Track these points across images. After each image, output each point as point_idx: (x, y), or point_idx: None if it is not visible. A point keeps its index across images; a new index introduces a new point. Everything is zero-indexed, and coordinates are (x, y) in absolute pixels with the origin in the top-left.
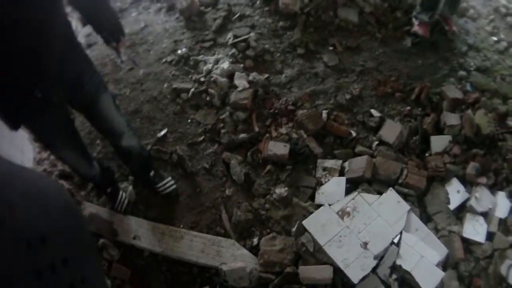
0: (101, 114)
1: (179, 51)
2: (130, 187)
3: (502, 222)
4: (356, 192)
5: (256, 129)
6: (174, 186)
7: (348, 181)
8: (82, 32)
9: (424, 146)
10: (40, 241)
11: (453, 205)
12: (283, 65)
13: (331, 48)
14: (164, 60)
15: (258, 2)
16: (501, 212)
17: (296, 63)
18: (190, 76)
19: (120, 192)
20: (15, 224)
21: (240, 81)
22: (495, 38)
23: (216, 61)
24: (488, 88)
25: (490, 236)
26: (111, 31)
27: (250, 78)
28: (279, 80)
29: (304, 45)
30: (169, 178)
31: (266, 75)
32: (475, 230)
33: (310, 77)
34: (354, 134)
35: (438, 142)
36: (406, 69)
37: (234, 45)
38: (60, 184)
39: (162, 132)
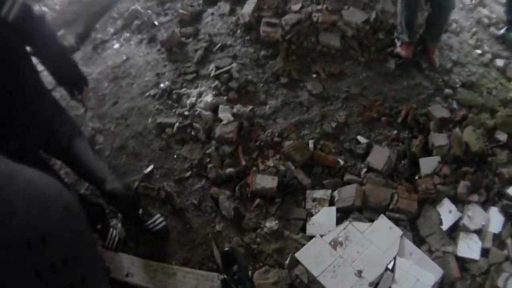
0: (78, 160)
1: (161, 85)
2: (119, 225)
3: (496, 237)
4: (347, 222)
5: (243, 162)
6: (163, 223)
7: (338, 210)
8: None
9: (413, 169)
10: (40, 241)
11: (445, 226)
12: (267, 95)
13: (314, 75)
14: (147, 94)
15: (239, 31)
16: (494, 227)
17: (280, 93)
18: (174, 110)
19: (111, 230)
20: (15, 224)
21: (225, 114)
22: (479, 51)
23: (199, 94)
24: (475, 104)
25: (484, 252)
26: (73, 83)
27: (235, 110)
28: (264, 111)
29: (287, 74)
30: (158, 215)
31: (251, 107)
32: (469, 248)
33: (294, 107)
34: (342, 162)
35: (427, 164)
36: (391, 92)
37: (216, 77)
38: (60, 184)
39: (149, 169)
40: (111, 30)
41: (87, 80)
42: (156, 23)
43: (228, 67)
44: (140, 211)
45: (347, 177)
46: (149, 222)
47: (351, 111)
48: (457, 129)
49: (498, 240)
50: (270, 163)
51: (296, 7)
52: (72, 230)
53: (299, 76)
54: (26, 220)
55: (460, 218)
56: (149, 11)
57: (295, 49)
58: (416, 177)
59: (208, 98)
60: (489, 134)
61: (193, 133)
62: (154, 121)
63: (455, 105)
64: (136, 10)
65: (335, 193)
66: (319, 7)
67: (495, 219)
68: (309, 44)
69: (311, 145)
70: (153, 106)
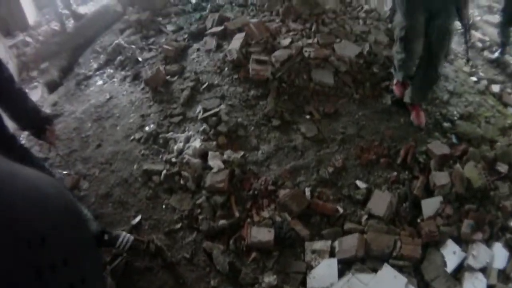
0: None
1: (147, 128)
2: (109, 278)
3: (501, 272)
4: (350, 273)
5: (237, 214)
6: (132, 237)
7: (340, 262)
8: (48, 100)
9: (415, 212)
10: (40, 241)
11: (450, 268)
12: (259, 140)
13: (308, 116)
14: (132, 137)
15: (226, 69)
16: (499, 263)
17: (272, 137)
18: (160, 156)
19: (122, 234)
20: (15, 224)
21: (215, 162)
22: (474, 79)
23: (187, 139)
24: (474, 136)
25: None
26: (36, 126)
27: (225, 157)
28: (256, 157)
29: (279, 116)
30: (123, 232)
31: (242, 153)
32: (474, 287)
33: (288, 152)
34: (341, 210)
35: (429, 206)
36: (389, 131)
37: (204, 119)
38: (61, 185)
39: (136, 219)
40: (94, 66)
41: (51, 119)
42: (140, 59)
43: (216, 109)
44: (106, 236)
45: (348, 225)
46: (118, 243)
47: (348, 154)
48: (458, 166)
49: (503, 275)
50: (266, 214)
51: (286, 41)
52: (72, 230)
53: (291, 118)
54: (26, 220)
55: (465, 258)
56: (132, 46)
57: (286, 87)
58: (419, 220)
59: (196, 143)
60: (490, 167)
61: (181, 181)
62: (140, 167)
63: (454, 140)
64: (119, 44)
65: (336, 243)
66: (310, 41)
67: (499, 255)
68: (301, 82)
69: (307, 193)
70: (138, 151)
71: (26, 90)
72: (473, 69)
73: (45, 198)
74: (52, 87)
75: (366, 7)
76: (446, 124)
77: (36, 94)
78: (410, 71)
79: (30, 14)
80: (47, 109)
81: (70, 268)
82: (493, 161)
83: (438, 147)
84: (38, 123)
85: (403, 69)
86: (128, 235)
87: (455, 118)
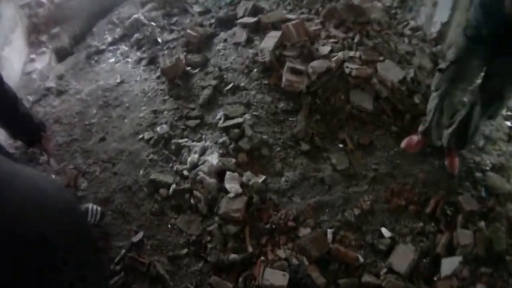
0: None
1: (158, 128)
2: None
3: None
4: None
5: (250, 249)
6: (99, 208)
7: None
8: (55, 70)
9: (433, 268)
10: (41, 241)
11: None
12: (284, 164)
13: (341, 145)
14: (140, 136)
15: (255, 70)
16: None
17: (299, 163)
18: (171, 165)
19: (90, 205)
20: (16, 224)
21: (232, 185)
22: (509, 123)
23: (203, 150)
24: (503, 192)
25: None
26: (29, 134)
27: (244, 179)
28: (278, 185)
29: (309, 139)
30: (90, 204)
31: (263, 177)
32: None
33: (315, 184)
34: (361, 260)
35: (449, 265)
36: (422, 174)
37: (225, 129)
38: (61, 184)
39: (138, 236)
40: (109, 39)
41: (45, 125)
42: (159, 40)
43: (239, 119)
44: None
45: (365, 278)
46: (89, 219)
47: (378, 196)
48: (483, 224)
49: None
50: (281, 253)
51: (325, 49)
52: (72, 230)
53: (322, 143)
54: (26, 220)
55: None
56: (152, 23)
57: (320, 105)
58: (435, 278)
59: (213, 158)
60: (511, 227)
61: (192, 201)
62: (146, 175)
63: (483, 193)
64: (138, 19)
65: None
66: (352, 53)
67: None
68: (337, 102)
69: (329, 235)
70: (146, 154)
71: (34, 56)
72: (509, 112)
73: (45, 198)
74: (61, 55)
75: (412, 23)
76: (478, 174)
77: (44, 61)
78: (439, 133)
79: None
80: (52, 81)
81: (70, 267)
82: None
83: (468, 202)
84: (32, 131)
85: (435, 128)
86: (95, 206)
87: (487, 168)
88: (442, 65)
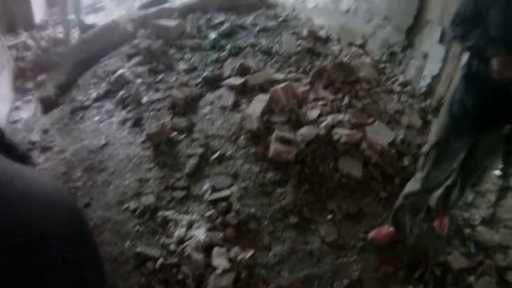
0: None
1: (144, 198)
2: None
3: None
4: None
5: None
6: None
7: None
8: (40, 122)
9: None
10: (41, 241)
11: None
12: (272, 238)
13: (329, 216)
14: (126, 205)
15: (242, 138)
16: None
17: (288, 237)
18: (157, 237)
19: None
20: (15, 223)
21: (220, 261)
22: (497, 172)
23: (190, 224)
24: (492, 244)
25: None
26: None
27: (232, 254)
28: (267, 259)
29: (298, 211)
30: None
31: (251, 252)
32: None
33: (303, 257)
34: None
35: None
36: (411, 239)
37: (212, 202)
38: (61, 184)
39: None
40: (94, 94)
41: (30, 156)
42: (144, 100)
43: (227, 192)
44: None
45: None
46: None
47: (367, 265)
48: (472, 280)
49: None
50: None
51: (314, 113)
52: (72, 229)
53: (311, 215)
54: (26, 220)
55: None
56: (138, 80)
57: (308, 174)
58: None
59: (201, 234)
60: (501, 277)
61: (179, 276)
62: (133, 247)
63: (473, 249)
64: (123, 75)
65: None
66: (341, 116)
67: None
68: (326, 170)
69: None
70: (132, 224)
71: (19, 103)
72: None
73: (45, 197)
74: (46, 104)
75: (401, 77)
76: (467, 231)
77: (29, 109)
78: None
79: (39, 10)
80: (37, 134)
81: (70, 267)
82: (504, 270)
83: (457, 260)
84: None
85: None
86: None
87: (477, 223)
88: (426, 147)
